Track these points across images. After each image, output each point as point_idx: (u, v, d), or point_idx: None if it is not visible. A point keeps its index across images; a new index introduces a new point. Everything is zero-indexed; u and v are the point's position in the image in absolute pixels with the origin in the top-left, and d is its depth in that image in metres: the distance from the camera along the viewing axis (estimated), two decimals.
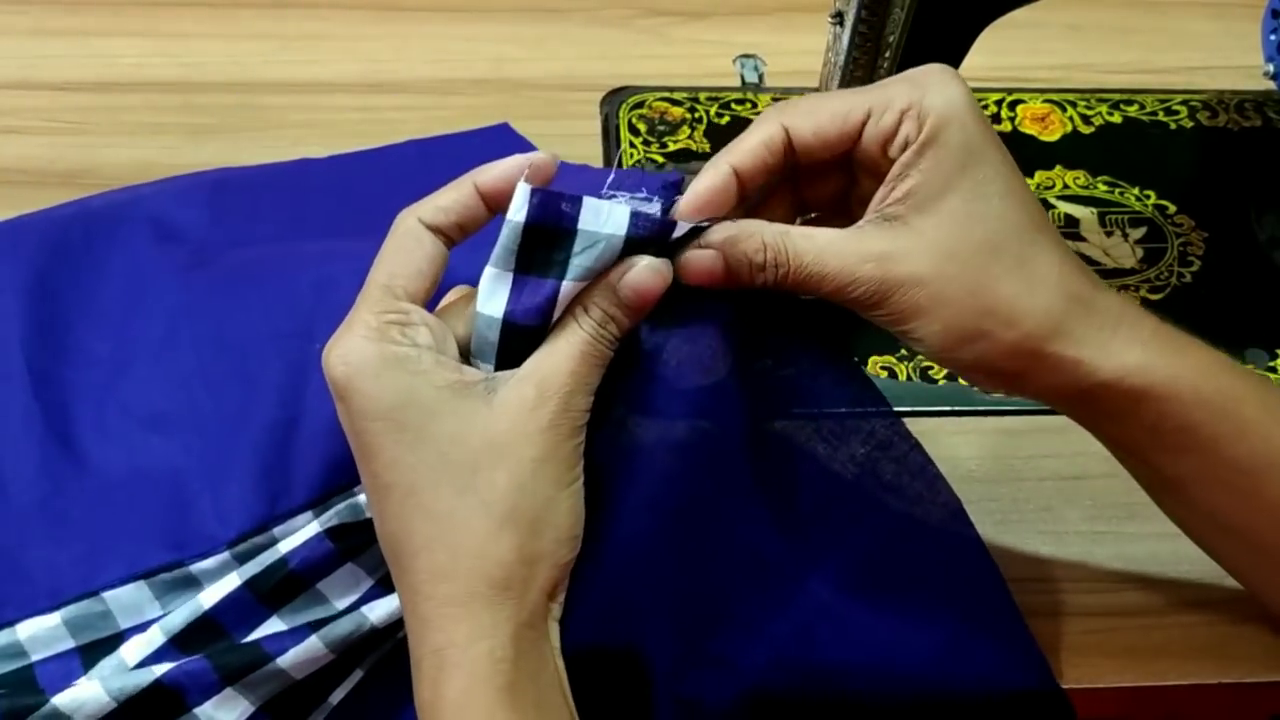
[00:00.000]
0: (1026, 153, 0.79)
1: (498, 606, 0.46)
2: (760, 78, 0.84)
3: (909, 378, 0.68)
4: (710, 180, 0.49)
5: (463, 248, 0.51)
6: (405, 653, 0.49)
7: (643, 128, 0.80)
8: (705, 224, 0.50)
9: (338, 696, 0.54)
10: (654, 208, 0.49)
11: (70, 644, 0.54)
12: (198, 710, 0.51)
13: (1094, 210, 0.77)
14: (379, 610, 0.53)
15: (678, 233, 0.49)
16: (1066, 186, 0.79)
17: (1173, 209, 0.78)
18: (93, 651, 0.54)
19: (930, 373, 0.68)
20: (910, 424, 0.54)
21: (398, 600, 0.50)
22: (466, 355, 0.49)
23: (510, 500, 0.46)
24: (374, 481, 0.47)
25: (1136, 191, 0.78)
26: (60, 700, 0.51)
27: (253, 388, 0.59)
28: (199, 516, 0.56)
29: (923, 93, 0.48)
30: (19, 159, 0.77)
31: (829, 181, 0.53)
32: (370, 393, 0.46)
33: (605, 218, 0.47)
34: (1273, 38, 0.82)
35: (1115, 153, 0.81)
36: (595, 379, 0.48)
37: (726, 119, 0.80)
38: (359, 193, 0.72)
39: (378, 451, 0.47)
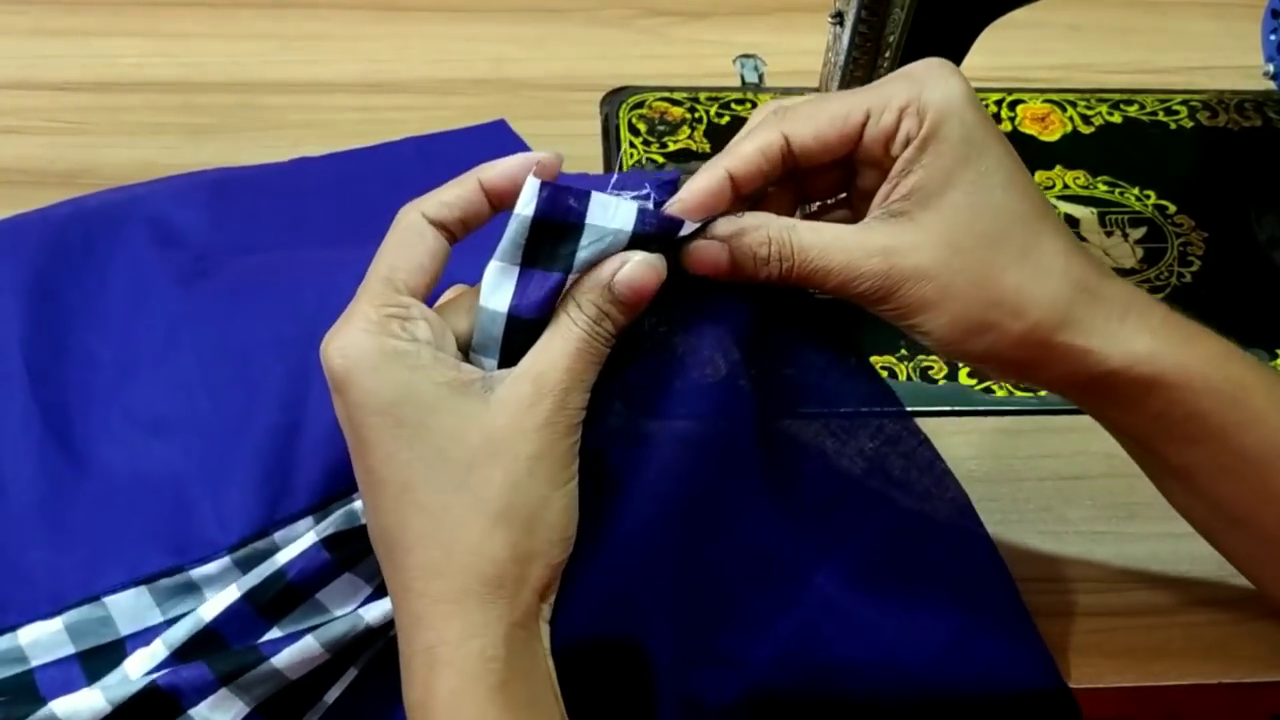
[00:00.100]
0: (1026, 153, 0.78)
1: (490, 605, 0.46)
2: (760, 78, 0.84)
3: (909, 378, 0.68)
4: (705, 183, 0.49)
5: (460, 250, 0.51)
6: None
7: (643, 128, 0.80)
8: (711, 221, 0.50)
9: (333, 695, 0.54)
10: (650, 205, 0.49)
11: (71, 650, 0.54)
12: (192, 712, 0.51)
13: (1094, 210, 0.77)
14: (375, 611, 0.53)
15: (685, 231, 0.49)
16: (1066, 186, 0.79)
17: (1173, 209, 0.78)
18: (92, 658, 0.54)
19: (930, 373, 0.68)
20: None
21: None
22: (465, 351, 0.49)
23: (505, 498, 0.46)
24: (369, 476, 0.47)
25: (1136, 191, 0.78)
26: (58, 706, 0.51)
27: (254, 393, 0.59)
28: (200, 521, 0.56)
29: (921, 88, 0.48)
30: (19, 159, 0.77)
31: (830, 174, 0.52)
32: (368, 386, 0.46)
33: (613, 213, 0.47)
34: (1273, 38, 0.82)
35: (1115, 153, 0.81)
36: (591, 376, 0.48)
37: (726, 119, 0.80)
38: (357, 191, 0.72)
39: (374, 446, 0.46)
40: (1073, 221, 0.76)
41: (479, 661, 0.46)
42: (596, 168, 0.78)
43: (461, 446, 0.46)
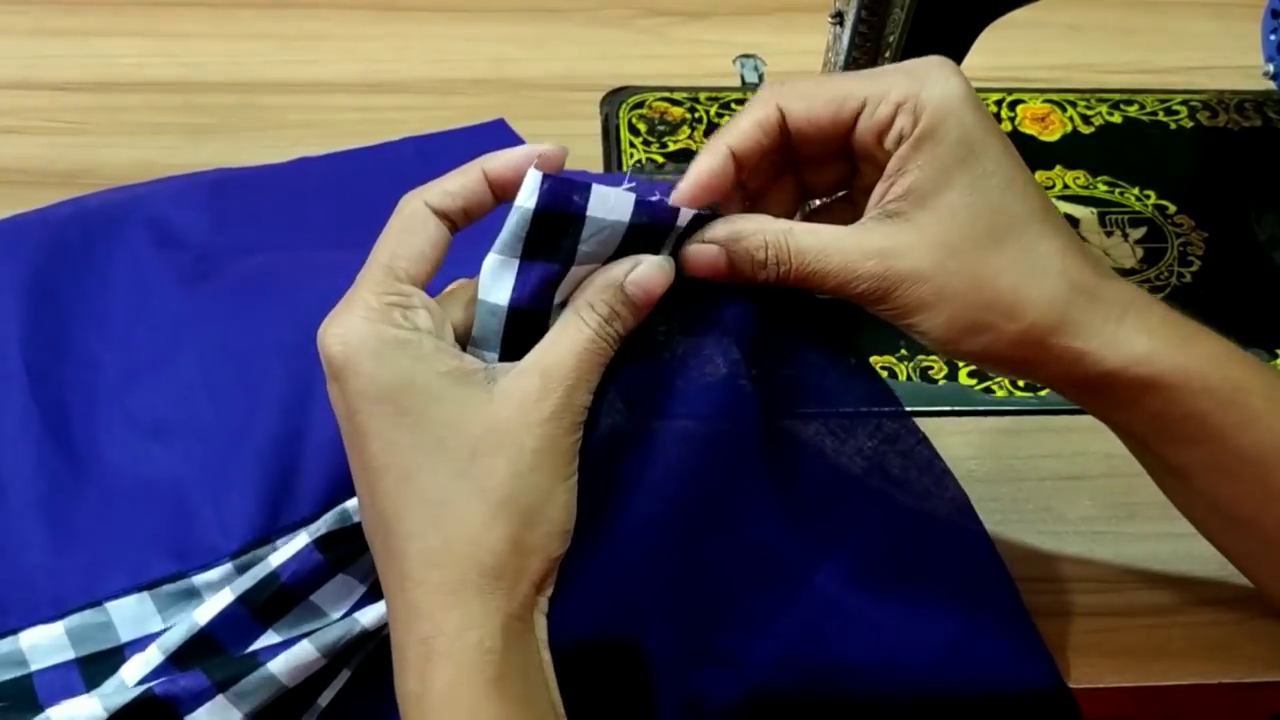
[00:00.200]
0: (1027, 153, 0.77)
1: (488, 596, 0.46)
2: (760, 78, 0.84)
3: (909, 378, 0.68)
4: (708, 162, 0.49)
5: (457, 243, 0.50)
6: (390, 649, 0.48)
7: (643, 128, 0.80)
8: (709, 214, 0.50)
9: (326, 698, 0.53)
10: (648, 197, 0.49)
11: (70, 655, 0.54)
12: (189, 718, 0.51)
13: (1094, 210, 0.77)
14: (370, 614, 0.52)
15: (681, 221, 0.49)
16: (1066, 186, 0.79)
17: (1173, 209, 0.78)
18: (92, 664, 0.53)
19: (930, 373, 0.68)
20: None
21: None
22: (463, 343, 0.49)
23: (507, 489, 0.46)
24: (367, 463, 0.47)
25: (1136, 191, 0.78)
26: (55, 713, 0.51)
27: (257, 399, 0.59)
28: (202, 527, 0.56)
29: (920, 86, 0.48)
30: (19, 159, 0.77)
31: (831, 169, 0.53)
32: (369, 373, 0.46)
33: (611, 204, 0.47)
34: (1273, 38, 0.82)
35: (1115, 153, 0.81)
36: (596, 377, 0.48)
37: (726, 119, 0.80)
38: (357, 190, 0.72)
39: (374, 434, 0.46)
40: (1073, 221, 0.76)
41: (476, 653, 0.45)
42: (596, 167, 0.78)
43: (463, 436, 0.46)
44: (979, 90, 0.50)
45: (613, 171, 0.78)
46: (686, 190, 0.49)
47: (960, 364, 0.68)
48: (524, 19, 0.89)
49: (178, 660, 0.52)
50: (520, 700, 0.46)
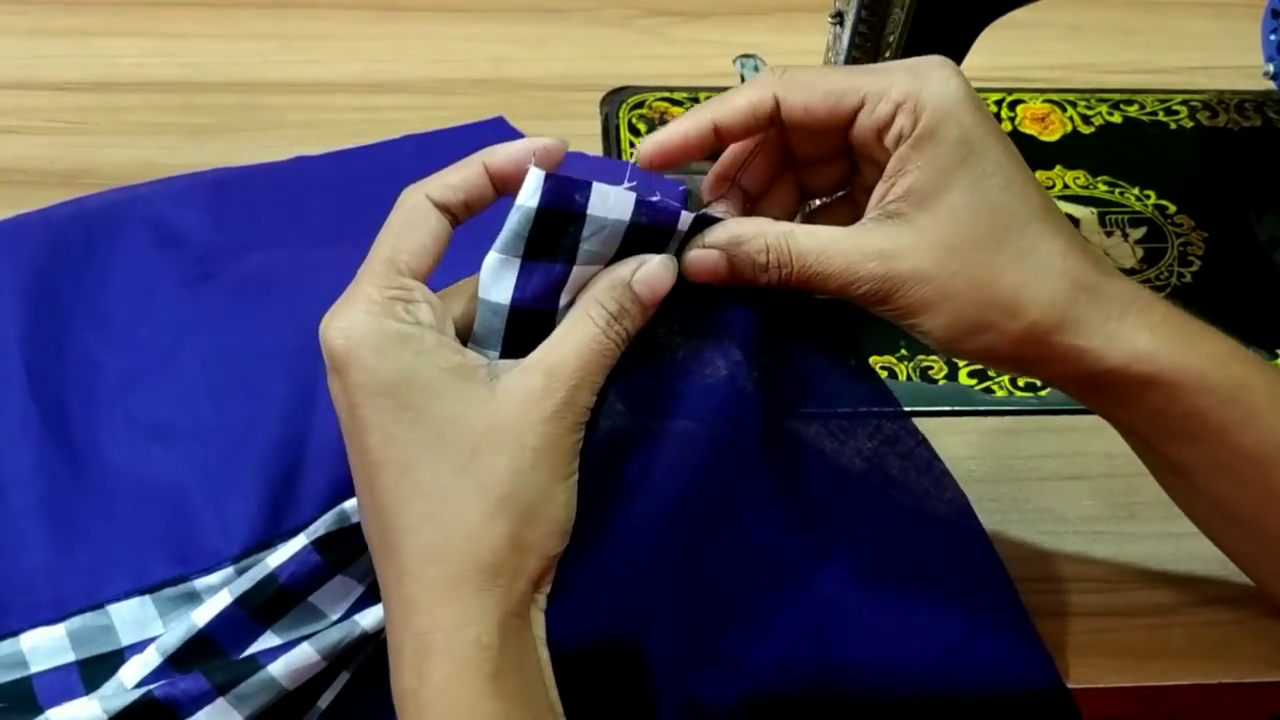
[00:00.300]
0: (1027, 153, 0.77)
1: (486, 592, 0.46)
2: None
3: (909, 378, 0.68)
4: (687, 126, 0.49)
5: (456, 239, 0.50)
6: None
7: (643, 128, 0.80)
8: (709, 214, 0.50)
9: (326, 701, 0.53)
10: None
11: (71, 657, 0.54)
12: None
13: (1094, 210, 0.77)
14: (370, 617, 0.52)
15: (682, 225, 0.49)
16: (1066, 186, 0.79)
17: (1173, 209, 0.78)
18: (92, 667, 0.53)
19: (930, 373, 0.68)
20: None
21: None
22: (464, 339, 0.49)
23: (507, 486, 0.46)
24: (366, 458, 0.47)
25: (1136, 191, 0.78)
26: (55, 715, 0.51)
27: (259, 402, 0.59)
28: (203, 530, 0.56)
29: (920, 85, 0.48)
30: (19, 159, 0.77)
31: (831, 169, 0.53)
32: (371, 367, 0.46)
33: (611, 203, 0.47)
34: (1273, 38, 0.82)
35: (1115, 153, 0.81)
36: (600, 378, 0.48)
37: None
38: (357, 188, 0.72)
39: (374, 427, 0.46)
40: (1073, 222, 0.76)
41: (473, 650, 0.45)
42: None
43: (464, 432, 0.46)
44: (979, 90, 0.50)
45: (621, 160, 0.77)
46: (654, 146, 0.49)
47: (960, 364, 0.68)
48: (524, 19, 0.89)
49: (176, 662, 0.52)
50: (517, 697, 0.46)
